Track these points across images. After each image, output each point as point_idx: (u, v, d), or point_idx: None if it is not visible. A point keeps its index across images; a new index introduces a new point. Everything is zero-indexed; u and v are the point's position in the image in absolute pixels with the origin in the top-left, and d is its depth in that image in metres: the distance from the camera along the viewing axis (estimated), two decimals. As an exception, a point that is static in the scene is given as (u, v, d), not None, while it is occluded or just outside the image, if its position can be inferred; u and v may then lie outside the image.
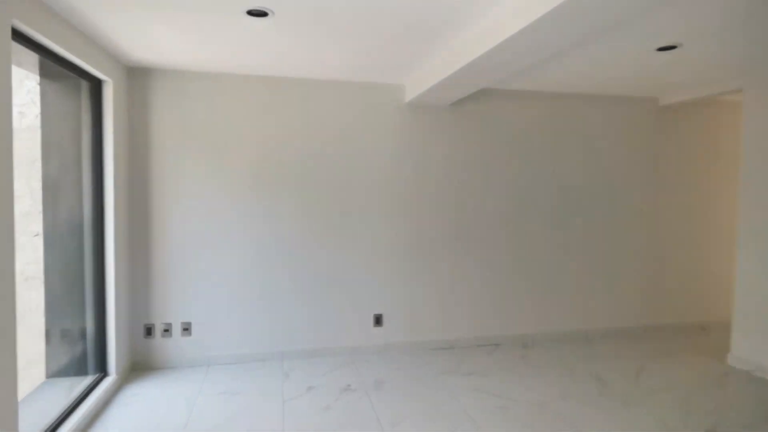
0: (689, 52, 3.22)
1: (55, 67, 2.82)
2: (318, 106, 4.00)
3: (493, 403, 3.25)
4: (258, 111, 3.89)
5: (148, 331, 3.78)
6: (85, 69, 3.00)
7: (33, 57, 2.68)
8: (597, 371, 3.83)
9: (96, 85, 3.25)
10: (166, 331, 3.81)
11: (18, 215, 3.54)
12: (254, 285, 3.94)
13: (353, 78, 3.95)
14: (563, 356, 4.16)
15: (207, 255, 3.84)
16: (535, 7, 2.13)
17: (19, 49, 2.47)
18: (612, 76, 3.85)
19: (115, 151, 3.36)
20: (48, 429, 2.65)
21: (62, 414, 2.82)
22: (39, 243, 3.46)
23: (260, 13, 2.46)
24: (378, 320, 4.21)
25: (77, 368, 3.28)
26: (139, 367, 3.76)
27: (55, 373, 3.25)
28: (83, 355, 3.32)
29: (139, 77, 3.66)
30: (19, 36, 2.28)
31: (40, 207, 3.44)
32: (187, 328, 3.85)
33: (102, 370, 3.38)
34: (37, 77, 3.21)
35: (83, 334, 3.32)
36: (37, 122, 3.45)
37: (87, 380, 3.22)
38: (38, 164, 3.41)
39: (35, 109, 3.51)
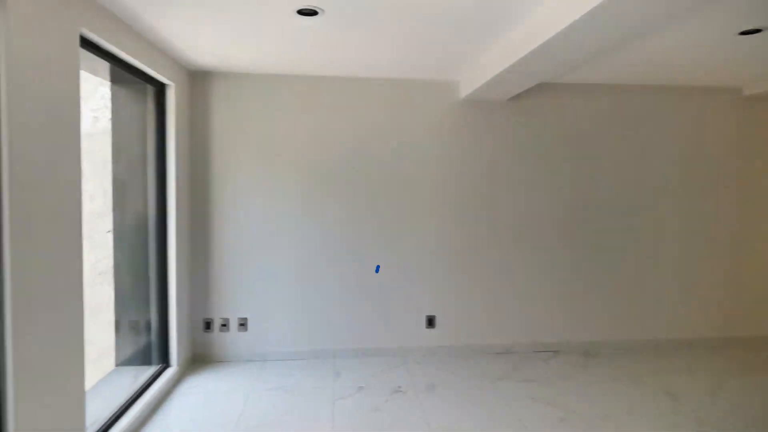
0: (779, 35, 2.88)
1: (123, 73, 2.98)
2: (370, 104, 3.98)
3: (551, 414, 3.08)
4: (310, 111, 3.93)
5: (207, 325, 3.93)
6: (150, 74, 3.14)
7: (105, 64, 2.85)
8: (668, 385, 3.54)
9: (160, 90, 3.41)
10: (223, 326, 3.94)
11: (92, 214, 3.80)
12: (308, 283, 3.99)
13: (405, 75, 3.89)
14: (629, 367, 3.88)
15: (262, 253, 3.93)
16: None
17: (92, 58, 2.62)
18: (688, 64, 3.54)
19: (177, 153, 3.51)
20: (115, 414, 2.81)
21: (128, 400, 2.98)
22: (110, 240, 3.68)
23: (310, 12, 2.46)
24: (431, 322, 4.13)
25: (142, 358, 3.46)
26: (198, 360, 3.91)
27: (123, 362, 3.44)
28: (148, 346, 3.50)
29: (199, 80, 3.81)
30: (89, 44, 2.41)
31: (110, 206, 3.66)
32: (243, 324, 3.95)
33: (164, 361, 3.54)
34: (109, 83, 3.41)
35: (148, 327, 3.50)
36: (109, 126, 3.67)
37: (151, 370, 3.39)
38: (109, 165, 3.63)
39: (108, 114, 3.74)
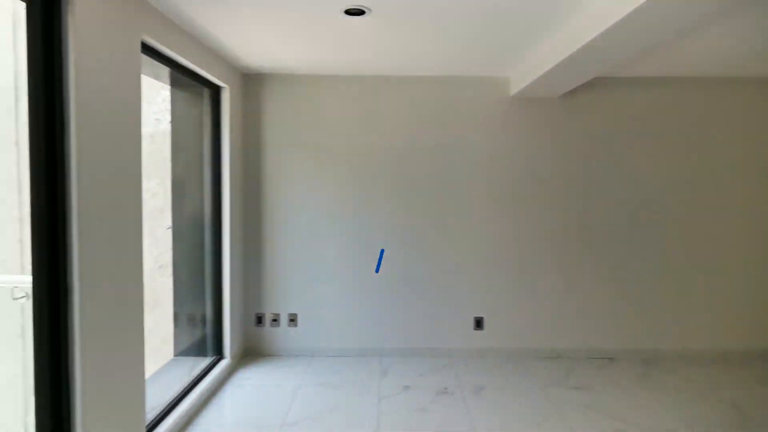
0: None
1: (181, 77, 3.13)
2: (417, 102, 3.96)
3: (605, 424, 2.94)
4: (358, 110, 3.96)
5: (259, 320, 4.05)
6: (206, 77, 3.28)
7: (166, 69, 3.00)
8: (735, 398, 3.29)
9: (215, 92, 3.55)
10: (274, 321, 4.05)
11: (154, 210, 4.03)
12: (355, 281, 4.03)
13: (454, 72, 3.84)
14: (692, 378, 3.64)
15: (312, 250, 4.00)
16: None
17: (155, 63, 2.78)
18: (759, 53, 3.26)
19: (230, 152, 3.64)
20: (173, 401, 2.95)
21: (185, 389, 3.12)
22: (170, 235, 3.89)
23: (357, 12, 2.48)
24: (479, 323, 4.06)
25: (198, 350, 3.62)
26: (250, 353, 4.04)
27: (181, 352, 3.62)
28: (203, 338, 3.66)
29: (251, 82, 3.93)
30: (150, 50, 2.55)
31: (170, 203, 3.86)
32: (293, 320, 4.05)
33: (218, 353, 3.69)
34: (169, 87, 3.60)
35: (203, 319, 3.66)
36: (169, 127, 3.87)
37: (206, 361, 3.54)
38: (169, 164, 3.83)
39: (168, 116, 3.95)
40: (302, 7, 2.47)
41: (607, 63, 2.89)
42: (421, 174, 3.98)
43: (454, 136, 3.97)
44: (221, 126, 3.60)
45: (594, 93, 3.93)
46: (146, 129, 3.91)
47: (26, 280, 2.59)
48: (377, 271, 4.00)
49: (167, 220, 3.99)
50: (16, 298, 2.86)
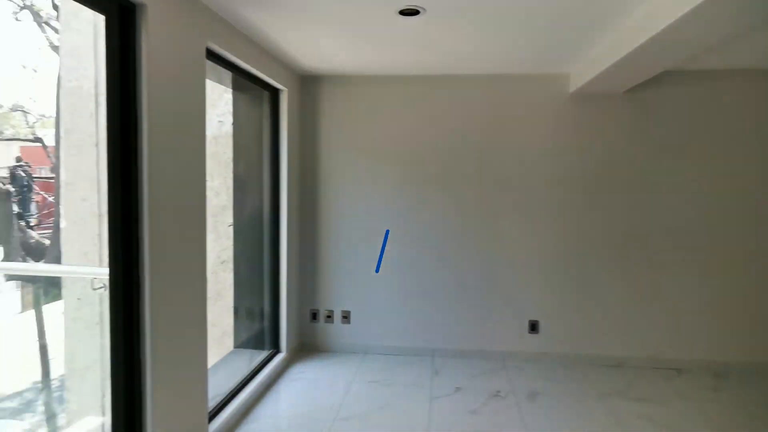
0: None
1: (243, 80, 3.27)
2: (472, 101, 3.91)
3: (669, 438, 2.78)
4: (413, 110, 3.96)
5: (314, 315, 4.16)
6: (265, 81, 3.40)
7: (228, 73, 3.15)
8: (824, 420, 3.00)
9: (274, 94, 3.68)
10: (328, 317, 4.14)
11: (217, 208, 4.23)
12: (409, 281, 4.04)
13: (510, 70, 3.76)
14: (772, 394, 3.36)
15: (366, 249, 4.06)
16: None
17: (218, 68, 2.92)
18: None
19: (288, 152, 3.76)
20: (232, 391, 3.10)
21: (244, 380, 3.26)
22: (231, 232, 4.07)
23: (412, 12, 2.48)
24: (534, 327, 3.95)
25: (255, 343, 3.77)
26: (304, 348, 4.16)
27: (240, 344, 3.79)
28: (261, 332, 3.80)
29: (309, 84, 4.04)
30: (213, 56, 2.68)
31: (231, 201, 4.04)
32: (346, 317, 4.12)
33: (275, 346, 3.82)
34: (231, 90, 3.77)
35: (261, 314, 3.80)
36: (231, 129, 4.05)
37: (263, 354, 3.68)
38: (231, 165, 4.01)
39: (230, 118, 4.13)
40: (357, 9, 2.51)
41: (678, 55, 2.72)
42: (475, 173, 3.93)
43: (510, 135, 3.89)
44: (280, 127, 3.73)
45: (663, 88, 3.71)
46: (210, 131, 4.12)
47: (104, 272, 2.80)
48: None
49: (229, 218, 4.19)
50: (96, 289, 3.11)
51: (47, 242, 6.43)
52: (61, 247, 4.41)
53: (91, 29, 4.06)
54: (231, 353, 3.75)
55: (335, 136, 4.05)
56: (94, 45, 4.05)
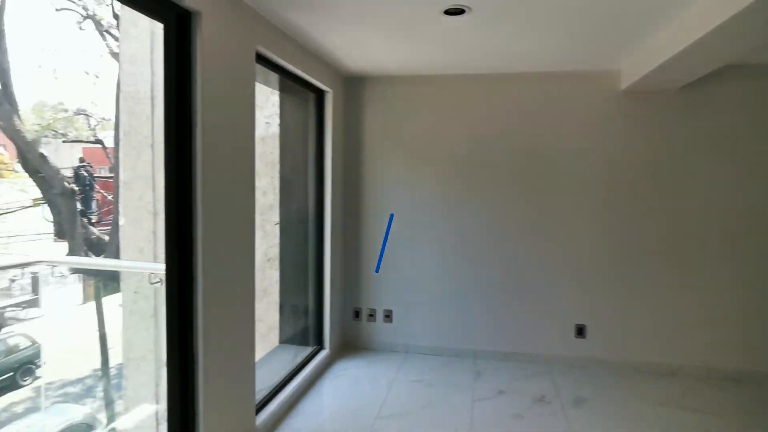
0: None
1: (289, 82, 3.35)
2: (518, 100, 3.84)
3: (727, 452, 2.64)
4: (457, 109, 3.93)
5: (356, 314, 4.21)
6: (311, 83, 3.47)
7: (275, 76, 3.24)
8: None
9: (319, 96, 3.75)
10: (371, 316, 4.18)
11: (264, 207, 4.35)
12: (452, 281, 4.01)
13: (557, 68, 3.66)
14: None
15: (409, 249, 4.06)
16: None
17: (266, 71, 3.01)
18: None
19: (333, 153, 3.82)
20: (278, 385, 3.18)
21: (289, 374, 3.34)
22: (277, 231, 4.18)
23: (457, 11, 2.47)
24: (580, 331, 3.84)
25: (300, 339, 3.86)
26: (347, 346, 4.21)
27: (285, 340, 3.88)
28: (305, 328, 3.88)
29: (353, 85, 4.08)
30: (262, 59, 2.76)
31: (278, 200, 4.15)
32: (388, 316, 4.15)
33: (319, 343, 3.89)
34: (278, 92, 3.87)
35: (306, 311, 3.89)
36: (278, 130, 4.16)
37: (307, 351, 3.76)
38: (277, 165, 4.12)
39: (277, 119, 4.24)
40: (402, 10, 2.52)
41: (744, 47, 2.56)
42: (520, 174, 3.86)
43: (556, 134, 3.79)
44: (324, 128, 3.79)
45: (723, 83, 3.51)
46: (258, 132, 4.24)
47: (160, 267, 2.94)
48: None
49: (275, 217, 4.30)
50: (153, 283, 3.27)
51: (106, 238, 6.82)
52: (119, 243, 4.67)
53: (147, 37, 4.27)
54: (276, 348, 3.85)
55: (378, 137, 4.08)
56: (151, 52, 4.26)
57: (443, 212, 4.00)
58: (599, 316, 3.81)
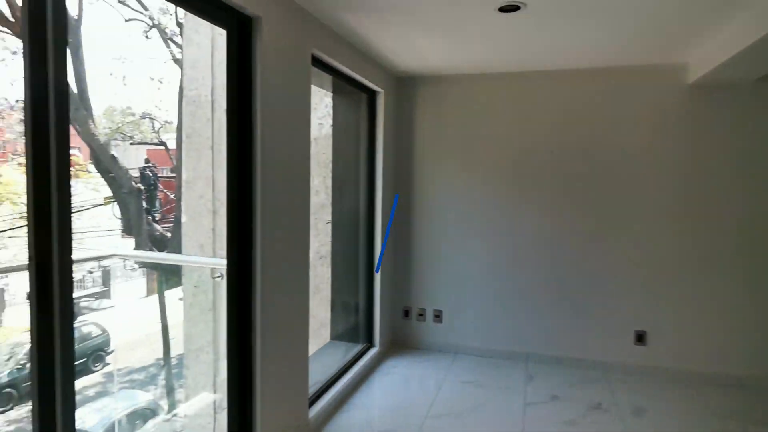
0: None
1: (342, 84, 3.41)
2: (574, 97, 3.71)
3: (806, 473, 2.45)
4: (510, 107, 3.86)
5: (406, 313, 4.22)
6: (364, 83, 3.52)
7: (329, 78, 3.31)
8: None
9: (371, 97, 3.79)
10: (420, 315, 4.18)
11: (316, 206, 4.46)
12: (504, 282, 3.95)
13: (618, 62, 3.51)
14: None
15: (460, 249, 4.03)
16: None
17: (320, 73, 3.08)
18: None
19: (384, 153, 3.85)
20: (329, 381, 3.25)
21: (340, 370, 3.41)
22: (329, 229, 4.27)
23: (512, 8, 2.43)
24: (640, 338, 3.67)
25: (350, 336, 3.92)
26: (396, 344, 4.23)
27: (336, 336, 3.96)
28: (355, 326, 3.94)
29: (404, 85, 4.09)
30: (317, 62, 2.83)
31: (330, 200, 4.23)
32: (438, 315, 4.13)
33: (369, 341, 3.94)
34: (331, 94, 3.95)
35: (356, 308, 3.94)
36: (330, 131, 4.24)
37: (357, 348, 3.81)
38: (330, 165, 4.20)
39: (330, 120, 4.33)
40: (456, 8, 2.51)
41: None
42: (576, 174, 3.74)
43: (616, 132, 3.64)
44: (376, 128, 3.83)
45: (803, 75, 3.25)
46: (312, 133, 4.35)
47: (220, 263, 3.08)
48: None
49: (327, 215, 4.39)
50: (215, 277, 3.42)
51: (169, 235, 7.20)
52: (181, 239, 4.92)
53: (208, 43, 4.47)
54: (327, 344, 3.93)
55: (430, 136, 4.07)
56: (211, 57, 4.46)
57: (495, 213, 3.94)
58: (661, 322, 3.62)
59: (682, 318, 3.58)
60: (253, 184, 2.20)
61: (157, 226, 7.15)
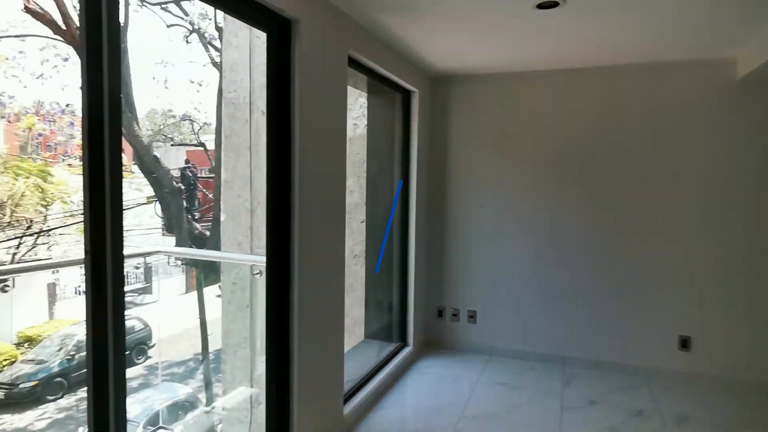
0: None
1: (377, 84, 3.44)
2: (614, 94, 3.61)
3: None
4: (547, 105, 3.79)
5: (440, 313, 4.21)
6: (399, 83, 3.53)
7: (364, 78, 3.33)
8: None
9: (406, 96, 3.80)
10: (454, 315, 4.16)
11: (351, 205, 4.49)
12: (539, 284, 3.88)
13: (660, 58, 3.39)
14: None
15: (494, 250, 3.99)
16: None
17: (354, 74, 3.11)
18: None
19: (418, 152, 3.85)
20: (363, 378, 3.27)
21: (374, 368, 3.43)
22: (363, 228, 4.30)
23: (551, 5, 2.39)
24: (684, 343, 3.54)
25: (384, 335, 3.93)
26: (430, 344, 4.22)
27: (370, 335, 3.98)
28: (389, 325, 3.96)
29: (439, 85, 4.08)
30: (353, 62, 2.86)
31: (364, 199, 4.26)
32: (472, 316, 4.10)
33: (402, 340, 3.95)
34: (366, 94, 3.98)
35: (390, 308, 3.96)
36: (365, 131, 4.27)
37: (391, 347, 3.83)
38: (365, 165, 4.23)
39: (365, 121, 4.36)
40: (494, 6, 2.49)
41: None
42: (615, 173, 3.63)
43: (659, 130, 3.52)
44: (410, 128, 3.83)
45: None
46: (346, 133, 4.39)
47: (259, 260, 3.15)
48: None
49: (362, 215, 4.42)
50: (254, 274, 3.51)
51: (207, 233, 7.42)
52: (219, 237, 5.05)
53: (247, 46, 4.58)
54: (361, 343, 3.96)
55: (465, 135, 4.04)
56: (249, 60, 4.56)
57: (532, 213, 3.87)
58: (707, 328, 3.48)
59: (728, 323, 3.43)
60: (291, 183, 2.24)
61: (197, 225, 7.38)
